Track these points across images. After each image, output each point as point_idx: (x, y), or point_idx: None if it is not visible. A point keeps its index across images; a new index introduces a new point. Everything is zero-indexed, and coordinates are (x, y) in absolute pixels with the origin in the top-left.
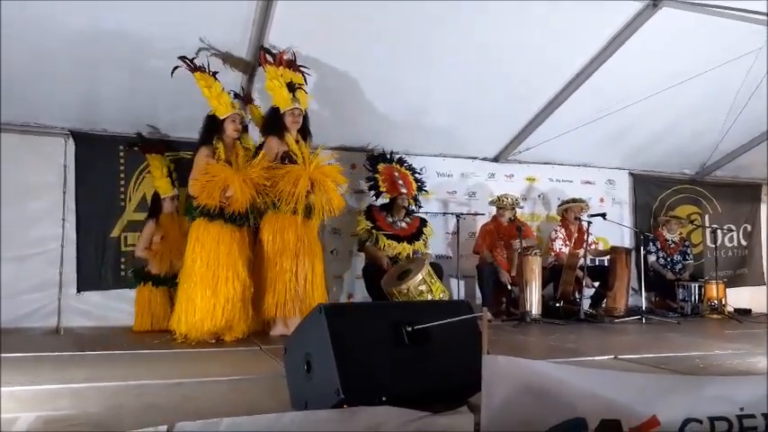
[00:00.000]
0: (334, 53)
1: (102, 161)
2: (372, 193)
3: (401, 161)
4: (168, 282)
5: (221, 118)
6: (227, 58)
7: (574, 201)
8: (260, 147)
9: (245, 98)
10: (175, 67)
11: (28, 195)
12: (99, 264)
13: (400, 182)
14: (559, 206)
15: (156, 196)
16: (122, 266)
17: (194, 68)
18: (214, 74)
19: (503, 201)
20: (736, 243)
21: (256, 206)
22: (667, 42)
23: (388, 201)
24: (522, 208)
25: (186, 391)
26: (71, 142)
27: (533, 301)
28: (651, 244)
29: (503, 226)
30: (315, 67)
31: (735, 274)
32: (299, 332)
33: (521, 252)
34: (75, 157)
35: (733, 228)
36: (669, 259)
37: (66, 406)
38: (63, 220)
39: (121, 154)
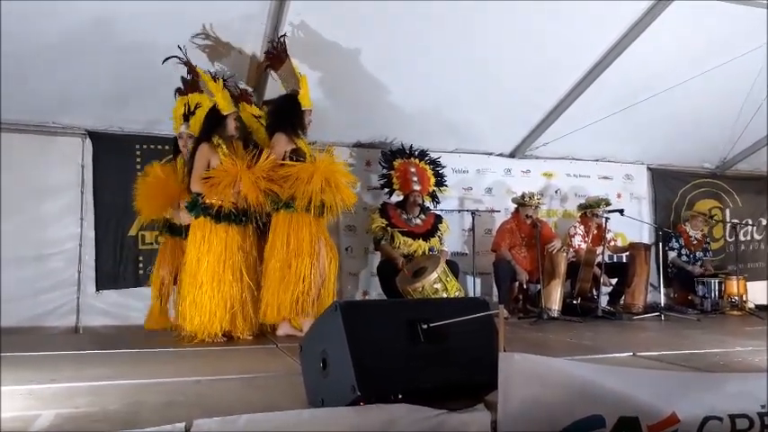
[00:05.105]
0: (348, 49)
1: (119, 160)
2: (386, 190)
3: (422, 154)
4: None
5: (225, 114)
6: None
7: (596, 204)
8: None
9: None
10: (185, 63)
11: (46, 195)
12: (117, 262)
13: (414, 178)
14: (580, 207)
15: None
16: (140, 265)
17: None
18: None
19: (529, 201)
20: (749, 237)
21: (263, 206)
22: (683, 34)
23: (402, 198)
24: (543, 205)
25: (204, 389)
26: (88, 142)
27: (555, 298)
28: (674, 240)
29: (523, 224)
30: (328, 64)
31: (749, 268)
32: (314, 330)
33: (550, 250)
34: (92, 156)
35: (750, 222)
36: (692, 256)
37: (86, 403)
38: (81, 219)
39: (138, 153)
